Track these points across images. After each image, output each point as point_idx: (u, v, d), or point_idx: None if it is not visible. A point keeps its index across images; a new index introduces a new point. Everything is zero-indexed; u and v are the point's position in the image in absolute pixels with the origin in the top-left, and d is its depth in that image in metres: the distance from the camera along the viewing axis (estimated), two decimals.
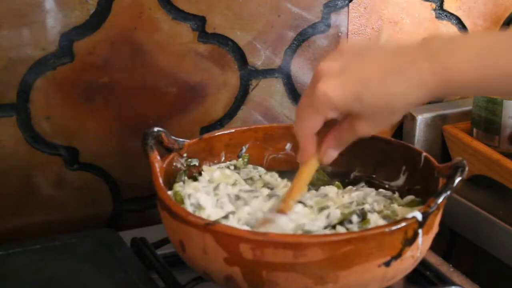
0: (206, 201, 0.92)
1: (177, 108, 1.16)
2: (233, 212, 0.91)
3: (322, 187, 0.99)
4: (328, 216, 0.90)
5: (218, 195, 0.94)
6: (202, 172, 1.00)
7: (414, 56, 0.78)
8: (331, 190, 0.98)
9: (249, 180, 1.02)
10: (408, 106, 0.80)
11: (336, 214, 0.90)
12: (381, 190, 0.98)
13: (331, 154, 0.85)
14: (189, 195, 0.92)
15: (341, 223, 0.89)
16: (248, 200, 0.94)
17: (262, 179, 1.02)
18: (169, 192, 0.92)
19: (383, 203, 0.95)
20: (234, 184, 0.98)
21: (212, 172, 0.99)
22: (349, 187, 1.00)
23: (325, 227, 0.89)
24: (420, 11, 1.29)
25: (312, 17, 1.20)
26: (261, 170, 1.04)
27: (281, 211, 0.89)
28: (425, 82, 0.77)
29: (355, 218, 0.89)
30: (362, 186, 1.00)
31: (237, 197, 0.94)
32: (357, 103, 0.78)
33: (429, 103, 1.34)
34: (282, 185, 1.00)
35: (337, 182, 1.01)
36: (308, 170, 0.88)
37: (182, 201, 0.92)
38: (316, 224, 0.89)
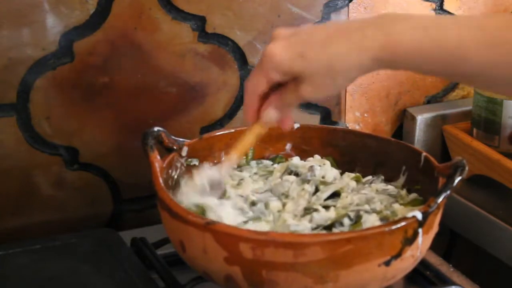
0: (227, 214, 0.91)
1: (177, 108, 1.16)
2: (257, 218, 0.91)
3: (342, 179, 1.00)
4: (311, 221, 0.90)
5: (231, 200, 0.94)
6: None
7: (361, 24, 0.80)
8: (348, 184, 0.98)
9: (255, 175, 1.01)
10: (350, 69, 0.80)
11: (321, 216, 0.90)
12: (388, 187, 0.98)
13: (272, 113, 0.86)
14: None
15: (333, 225, 0.89)
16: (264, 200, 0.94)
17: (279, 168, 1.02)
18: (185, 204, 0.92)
19: (386, 202, 0.94)
20: (239, 184, 0.98)
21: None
22: (367, 178, 1.01)
23: (314, 229, 0.89)
24: (420, 11, 1.29)
25: (312, 17, 1.20)
26: (267, 162, 1.04)
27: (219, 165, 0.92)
28: (367, 46, 0.78)
29: (346, 221, 0.89)
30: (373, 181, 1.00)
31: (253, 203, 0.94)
32: (299, 62, 0.80)
33: (429, 102, 1.34)
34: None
35: (357, 174, 1.01)
36: (252, 132, 0.89)
37: (203, 214, 0.91)
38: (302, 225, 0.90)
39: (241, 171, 1.02)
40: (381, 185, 0.98)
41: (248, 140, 0.90)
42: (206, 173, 0.92)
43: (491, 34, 0.77)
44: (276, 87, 0.85)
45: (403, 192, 0.97)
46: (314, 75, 0.81)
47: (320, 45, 0.80)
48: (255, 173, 1.02)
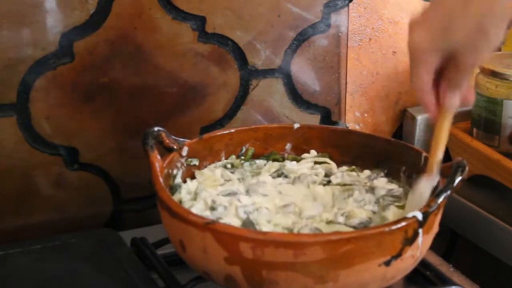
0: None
1: (177, 108, 1.16)
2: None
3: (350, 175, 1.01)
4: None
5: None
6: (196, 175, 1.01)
7: None
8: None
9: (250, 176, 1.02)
10: (500, 21, 0.79)
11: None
12: (393, 187, 0.98)
13: (453, 98, 0.84)
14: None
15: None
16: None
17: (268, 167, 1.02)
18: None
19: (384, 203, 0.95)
20: (222, 185, 0.99)
21: (201, 176, 1.00)
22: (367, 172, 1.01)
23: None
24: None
25: (312, 17, 1.20)
26: (260, 162, 1.04)
27: (426, 174, 0.89)
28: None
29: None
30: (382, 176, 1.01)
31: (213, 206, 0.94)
32: (448, 38, 0.79)
33: None
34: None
35: (352, 167, 1.02)
36: (442, 126, 0.88)
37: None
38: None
39: (233, 172, 1.02)
40: (385, 184, 0.98)
41: (444, 135, 0.89)
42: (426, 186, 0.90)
43: None
44: (440, 73, 0.83)
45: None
46: (466, 44, 0.79)
47: (457, 12, 0.78)
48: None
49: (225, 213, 0.91)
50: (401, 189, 0.97)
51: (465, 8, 0.78)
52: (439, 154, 0.89)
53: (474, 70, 0.83)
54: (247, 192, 0.96)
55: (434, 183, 0.89)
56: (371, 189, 0.97)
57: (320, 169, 1.02)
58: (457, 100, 0.85)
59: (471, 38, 0.79)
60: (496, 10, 0.78)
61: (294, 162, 1.04)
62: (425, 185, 0.90)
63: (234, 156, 1.04)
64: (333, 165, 1.03)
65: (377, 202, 0.95)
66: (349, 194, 0.96)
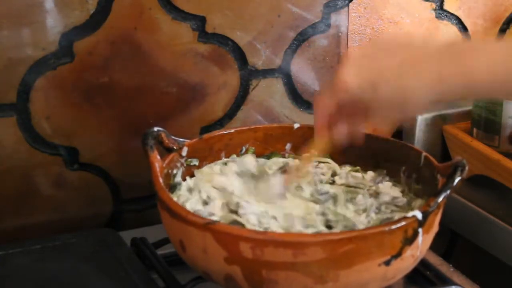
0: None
1: (177, 108, 1.16)
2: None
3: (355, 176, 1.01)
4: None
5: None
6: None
7: (435, 55, 0.80)
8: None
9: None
10: (420, 104, 0.81)
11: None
12: (397, 195, 0.98)
13: (342, 132, 0.88)
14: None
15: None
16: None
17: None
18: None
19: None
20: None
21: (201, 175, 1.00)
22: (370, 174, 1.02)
23: None
24: (420, 11, 1.29)
25: (312, 17, 1.20)
26: (261, 161, 1.04)
27: (286, 182, 0.94)
28: (442, 82, 0.79)
29: None
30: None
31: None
32: (370, 93, 0.81)
33: None
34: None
35: (357, 167, 1.03)
36: (318, 148, 0.91)
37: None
38: None
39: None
40: (389, 189, 0.98)
41: (312, 157, 0.93)
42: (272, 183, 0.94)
43: None
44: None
45: (414, 202, 0.96)
46: (383, 107, 0.83)
47: (393, 77, 0.80)
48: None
49: (215, 208, 0.91)
50: (405, 199, 0.96)
51: (400, 75, 0.80)
52: (302, 172, 0.95)
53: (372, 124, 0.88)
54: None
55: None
56: (376, 194, 0.97)
57: (326, 168, 1.02)
58: (346, 135, 0.89)
59: (391, 103, 0.82)
60: (423, 97, 0.80)
61: (298, 160, 1.03)
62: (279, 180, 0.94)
63: (235, 155, 1.04)
64: (335, 165, 1.03)
65: (378, 209, 0.94)
66: (352, 197, 0.96)
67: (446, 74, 0.79)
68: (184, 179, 0.98)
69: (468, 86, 0.79)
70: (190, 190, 0.96)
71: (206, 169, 1.01)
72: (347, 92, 0.83)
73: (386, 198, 0.96)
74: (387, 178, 1.00)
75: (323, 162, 1.03)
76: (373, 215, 0.92)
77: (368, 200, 0.95)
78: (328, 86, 0.85)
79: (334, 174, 1.02)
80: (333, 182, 1.00)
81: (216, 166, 1.01)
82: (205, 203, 0.92)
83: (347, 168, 1.03)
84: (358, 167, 1.03)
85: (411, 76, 0.80)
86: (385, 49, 0.83)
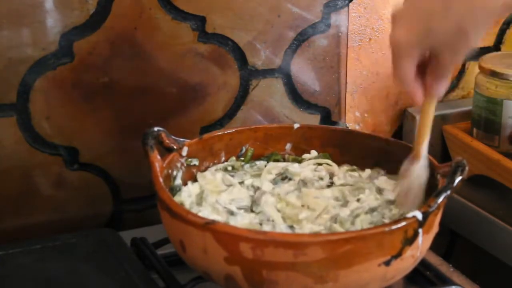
0: None
1: (177, 108, 1.16)
2: None
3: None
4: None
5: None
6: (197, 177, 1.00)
7: None
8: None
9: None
10: (481, 24, 0.80)
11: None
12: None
13: (438, 87, 0.86)
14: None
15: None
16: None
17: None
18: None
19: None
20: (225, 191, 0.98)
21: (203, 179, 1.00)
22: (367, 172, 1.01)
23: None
24: None
25: (312, 17, 1.20)
26: (260, 164, 1.04)
27: (413, 158, 0.91)
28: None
29: None
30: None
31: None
32: (429, 38, 0.81)
33: None
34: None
35: (353, 166, 1.03)
36: (427, 112, 0.89)
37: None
38: None
39: (233, 176, 1.01)
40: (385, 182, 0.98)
41: (430, 120, 0.90)
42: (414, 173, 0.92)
43: None
44: (422, 64, 0.85)
45: None
46: (449, 42, 0.81)
47: (439, 13, 0.79)
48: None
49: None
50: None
51: (446, 9, 0.79)
52: (426, 138, 0.91)
53: (457, 63, 0.86)
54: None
55: (423, 167, 0.91)
56: (379, 191, 0.97)
57: (324, 172, 1.02)
58: (444, 88, 0.87)
59: (451, 39, 0.81)
60: (476, 12, 0.79)
61: (297, 165, 1.03)
62: (415, 169, 0.91)
63: (234, 158, 1.03)
64: (334, 166, 1.03)
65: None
66: (360, 192, 0.96)
67: None
68: (185, 183, 0.98)
69: None
70: (191, 195, 0.96)
71: (208, 174, 1.00)
72: (410, 51, 0.82)
73: (389, 196, 0.96)
74: (382, 173, 1.00)
75: (322, 164, 1.03)
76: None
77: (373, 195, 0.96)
78: (393, 53, 0.84)
79: (331, 175, 1.02)
80: (331, 184, 1.00)
81: (218, 174, 1.00)
82: (231, 213, 0.93)
83: (344, 168, 1.03)
84: (354, 167, 1.03)
85: (459, 4, 0.79)
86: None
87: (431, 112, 0.89)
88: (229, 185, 0.99)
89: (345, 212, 0.92)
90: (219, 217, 0.91)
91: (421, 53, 0.83)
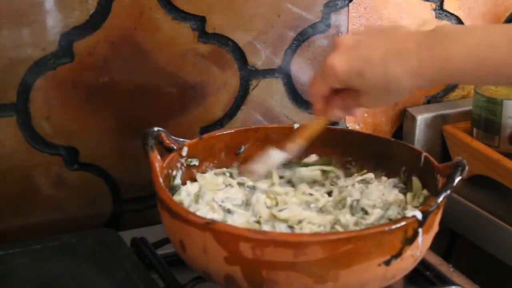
0: None
1: (177, 108, 1.16)
2: None
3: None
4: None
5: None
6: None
7: (417, 43, 0.84)
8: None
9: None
10: (404, 89, 0.87)
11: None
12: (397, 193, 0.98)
13: (338, 114, 0.94)
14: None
15: None
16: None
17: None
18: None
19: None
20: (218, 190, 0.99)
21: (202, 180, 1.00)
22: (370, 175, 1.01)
23: None
24: (420, 11, 1.29)
25: (312, 17, 1.20)
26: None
27: (283, 148, 0.97)
28: (422, 70, 0.83)
29: None
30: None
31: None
32: (359, 79, 0.86)
33: (429, 102, 1.34)
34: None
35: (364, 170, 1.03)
36: (316, 125, 0.97)
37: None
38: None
39: (234, 178, 1.02)
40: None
41: (312, 131, 0.98)
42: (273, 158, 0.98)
43: None
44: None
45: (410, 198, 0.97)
46: (371, 91, 0.88)
47: (378, 64, 0.85)
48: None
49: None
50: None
51: (383, 64, 0.84)
52: (304, 138, 0.98)
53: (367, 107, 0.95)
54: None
55: (284, 158, 0.98)
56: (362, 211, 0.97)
57: (323, 189, 1.01)
58: (342, 115, 0.95)
59: (376, 91, 0.87)
60: (406, 82, 0.85)
61: (304, 169, 1.03)
62: (277, 154, 0.98)
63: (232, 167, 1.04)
64: (339, 172, 1.03)
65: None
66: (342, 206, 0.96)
67: (426, 59, 0.83)
68: (184, 183, 0.98)
69: (446, 70, 0.83)
70: (190, 194, 0.96)
71: (208, 176, 1.00)
72: (337, 78, 0.87)
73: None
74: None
75: (328, 172, 1.03)
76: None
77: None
78: (320, 72, 0.90)
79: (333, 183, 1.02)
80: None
81: (219, 178, 1.01)
82: (229, 211, 0.93)
83: (356, 178, 1.02)
84: (365, 171, 1.03)
85: (394, 66, 0.84)
86: (372, 39, 0.88)
87: (320, 126, 0.97)
88: (228, 185, 0.99)
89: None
90: (216, 215, 0.91)
91: (342, 86, 0.89)
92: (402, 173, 1.00)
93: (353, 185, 0.99)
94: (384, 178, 1.00)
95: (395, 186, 0.97)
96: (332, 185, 1.01)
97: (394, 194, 0.96)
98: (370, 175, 1.01)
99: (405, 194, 0.97)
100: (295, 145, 0.98)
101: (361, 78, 0.86)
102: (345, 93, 0.90)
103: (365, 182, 0.98)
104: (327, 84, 0.90)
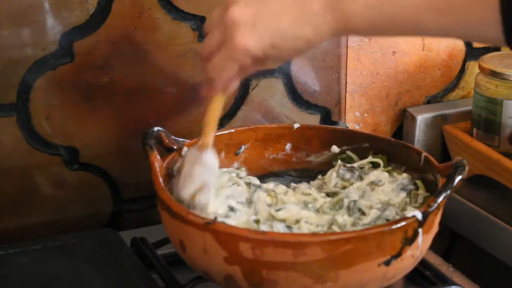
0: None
1: (177, 108, 1.16)
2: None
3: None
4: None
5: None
6: None
7: (319, 5, 0.83)
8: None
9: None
10: (313, 47, 0.87)
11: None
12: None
13: (235, 85, 0.90)
14: None
15: None
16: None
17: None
18: None
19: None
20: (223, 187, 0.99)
21: None
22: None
23: None
24: None
25: None
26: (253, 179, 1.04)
27: (200, 148, 0.92)
28: (329, 28, 0.83)
29: None
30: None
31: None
32: (275, 52, 0.85)
33: (429, 102, 1.34)
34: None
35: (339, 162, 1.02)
36: (218, 106, 0.92)
37: None
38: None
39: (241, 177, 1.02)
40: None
41: (217, 113, 0.92)
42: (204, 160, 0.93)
43: (442, 1, 0.79)
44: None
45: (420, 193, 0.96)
46: (281, 58, 0.89)
47: (289, 33, 0.84)
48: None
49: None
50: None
51: (294, 31, 0.84)
52: (213, 129, 0.93)
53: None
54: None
55: (213, 155, 0.93)
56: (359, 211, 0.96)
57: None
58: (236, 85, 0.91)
59: (287, 56, 0.90)
60: (315, 39, 0.84)
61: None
62: (204, 157, 0.92)
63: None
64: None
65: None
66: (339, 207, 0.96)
67: (330, 22, 0.83)
68: None
69: (350, 28, 0.83)
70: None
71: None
72: (252, 57, 0.84)
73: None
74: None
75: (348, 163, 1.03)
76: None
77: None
78: (227, 54, 0.86)
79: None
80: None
81: (225, 176, 1.00)
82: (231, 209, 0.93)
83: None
84: (389, 168, 1.01)
85: (304, 28, 0.83)
86: (269, 2, 0.85)
87: (220, 107, 0.92)
88: (234, 183, 0.99)
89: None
90: (220, 210, 0.91)
91: (258, 61, 0.86)
92: (402, 173, 1.00)
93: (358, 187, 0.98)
94: (397, 177, 0.99)
95: (403, 188, 0.96)
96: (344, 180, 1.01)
97: (400, 197, 0.95)
98: (384, 175, 0.99)
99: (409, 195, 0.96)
100: (209, 137, 0.93)
101: (277, 50, 0.84)
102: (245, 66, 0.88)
103: (373, 184, 0.97)
104: (238, 63, 0.86)
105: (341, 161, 1.02)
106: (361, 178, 0.98)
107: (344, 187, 0.98)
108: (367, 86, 1.29)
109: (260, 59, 0.86)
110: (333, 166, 1.02)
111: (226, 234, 0.82)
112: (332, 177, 0.99)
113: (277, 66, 0.96)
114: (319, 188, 1.00)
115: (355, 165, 1.01)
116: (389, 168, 1.00)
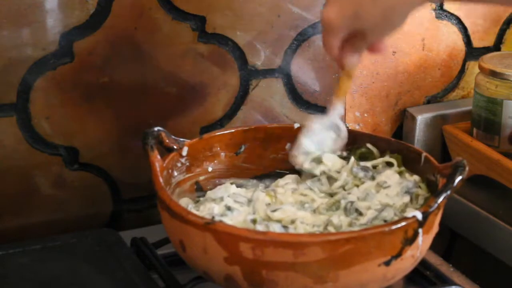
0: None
1: (177, 108, 1.16)
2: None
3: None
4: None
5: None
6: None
7: None
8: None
9: None
10: (404, 14, 0.89)
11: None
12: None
13: (352, 60, 0.95)
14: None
15: None
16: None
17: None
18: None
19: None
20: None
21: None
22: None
23: None
24: (420, 11, 1.29)
25: (312, 17, 1.20)
26: None
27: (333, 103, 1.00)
28: None
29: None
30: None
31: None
32: (358, 22, 0.89)
33: (429, 102, 1.34)
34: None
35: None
36: (346, 81, 0.99)
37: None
38: None
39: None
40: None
41: (346, 85, 0.99)
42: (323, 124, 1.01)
43: None
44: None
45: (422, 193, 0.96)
46: (373, 28, 0.90)
47: (370, 1, 0.87)
48: None
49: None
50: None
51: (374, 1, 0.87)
52: (340, 99, 1.01)
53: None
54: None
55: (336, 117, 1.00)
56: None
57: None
58: (357, 60, 0.96)
59: (377, 25, 0.90)
60: (399, 3, 0.88)
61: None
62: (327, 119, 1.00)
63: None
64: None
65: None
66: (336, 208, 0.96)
67: None
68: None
69: None
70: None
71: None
72: (337, 28, 0.90)
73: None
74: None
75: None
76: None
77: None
78: (323, 30, 0.93)
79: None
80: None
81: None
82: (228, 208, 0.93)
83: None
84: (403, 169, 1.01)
85: None
86: None
87: (349, 83, 0.99)
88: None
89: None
90: (216, 209, 0.91)
91: (347, 32, 0.91)
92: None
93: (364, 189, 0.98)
94: (409, 178, 0.98)
95: (407, 191, 0.96)
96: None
97: (403, 200, 0.94)
98: (395, 177, 0.98)
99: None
100: (335, 107, 1.00)
101: (359, 20, 0.88)
102: (353, 37, 0.92)
103: (379, 186, 0.97)
104: (334, 36, 0.91)
105: (360, 155, 1.03)
106: (373, 178, 0.98)
107: (356, 186, 0.98)
108: (367, 86, 1.29)
109: (358, 32, 0.89)
110: None
111: (226, 234, 0.82)
112: (342, 176, 0.99)
113: (382, 41, 0.95)
114: (325, 186, 0.99)
115: (369, 164, 1.00)
116: (402, 168, 0.99)
